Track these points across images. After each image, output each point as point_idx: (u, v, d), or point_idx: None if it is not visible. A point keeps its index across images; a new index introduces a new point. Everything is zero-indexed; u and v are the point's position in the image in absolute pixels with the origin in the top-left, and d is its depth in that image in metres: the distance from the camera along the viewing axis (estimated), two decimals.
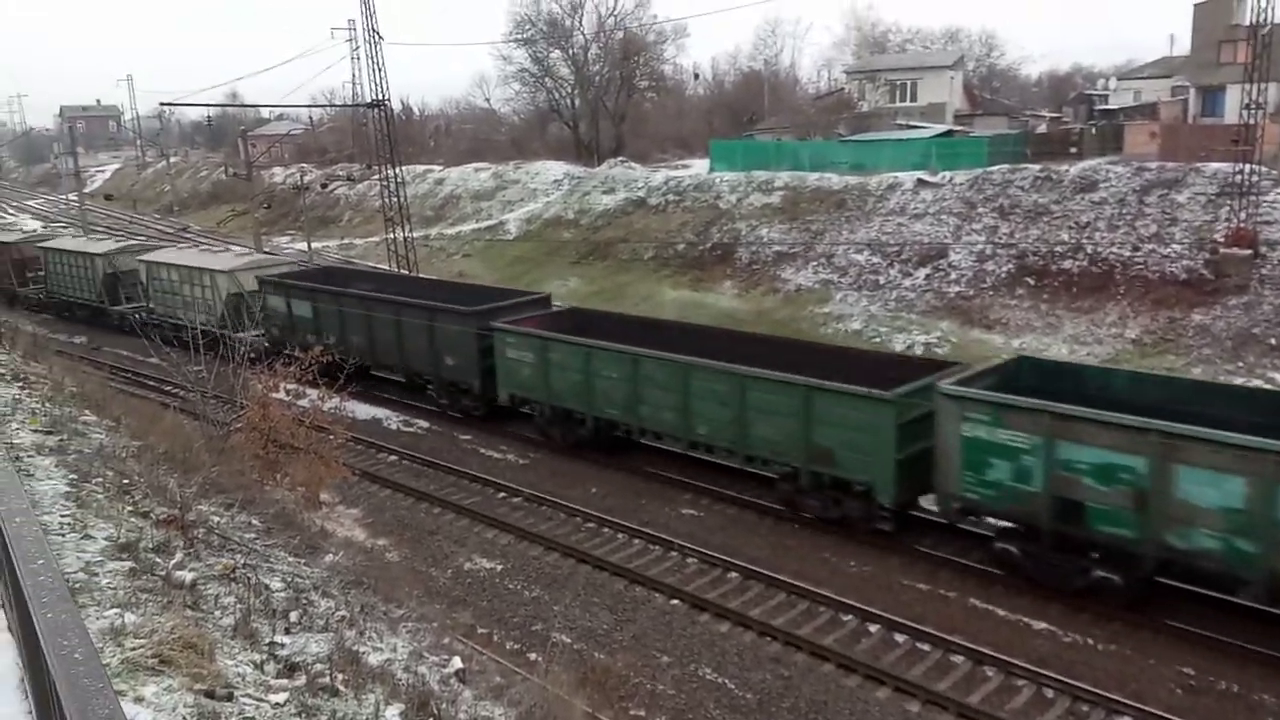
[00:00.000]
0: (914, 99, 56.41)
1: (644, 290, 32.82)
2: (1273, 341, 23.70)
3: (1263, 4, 36.10)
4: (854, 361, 17.65)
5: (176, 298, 30.17)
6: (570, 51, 66.23)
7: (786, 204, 38.26)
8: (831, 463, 15.72)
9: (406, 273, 33.00)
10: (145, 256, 32.93)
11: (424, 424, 23.32)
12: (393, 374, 25.00)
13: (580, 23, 65.60)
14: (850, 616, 13.63)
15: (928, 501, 15.52)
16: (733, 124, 60.60)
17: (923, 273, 31.05)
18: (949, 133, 48.21)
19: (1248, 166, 30.89)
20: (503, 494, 18.73)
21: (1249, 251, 27.26)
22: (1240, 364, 22.79)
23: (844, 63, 70.04)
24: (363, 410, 23.19)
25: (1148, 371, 18.18)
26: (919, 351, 25.43)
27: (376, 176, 45.21)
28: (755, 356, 17.30)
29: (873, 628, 13.33)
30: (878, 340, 26.58)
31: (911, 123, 51.13)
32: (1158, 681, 11.93)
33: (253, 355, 19.39)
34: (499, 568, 15.74)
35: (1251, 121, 37.12)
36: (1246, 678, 11.90)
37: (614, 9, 65.19)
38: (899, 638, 13.06)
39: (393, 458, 21.06)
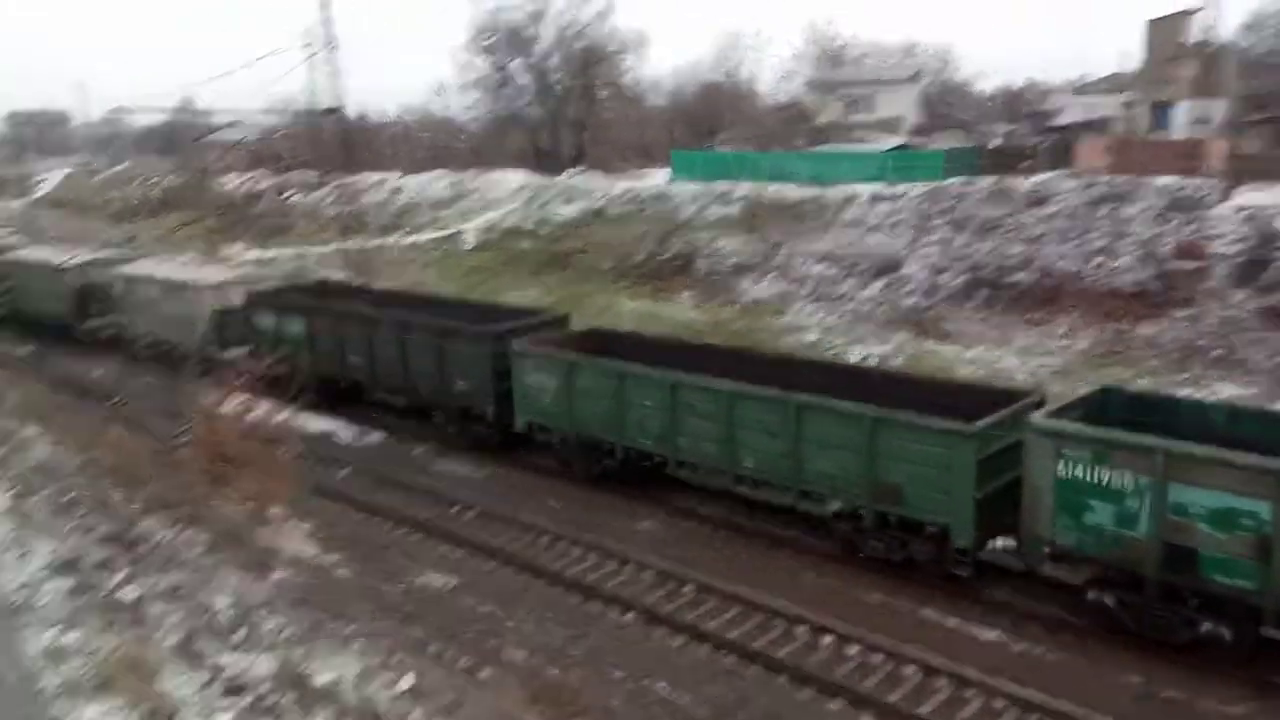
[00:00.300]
0: (871, 112, 57.12)
1: (603, 301, 32.80)
2: (1217, 354, 24.25)
3: (1210, 23, 37.20)
4: (909, 388, 16.35)
5: (155, 314, 29.09)
6: (530, 60, 66.18)
7: (745, 215, 38.50)
8: (900, 501, 14.52)
9: (411, 290, 31.31)
10: (121, 270, 31.69)
11: (377, 437, 23.07)
12: (395, 398, 23.81)
13: (540, 32, 65.61)
14: (804, 629, 13.67)
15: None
16: (693, 134, 60.89)
17: (878, 284, 31.39)
18: (905, 146, 48.84)
19: (1195, 181, 31.72)
20: (457, 508, 18.55)
21: (1195, 265, 27.88)
22: (1186, 375, 23.28)
23: (803, 75, 70.71)
24: (315, 424, 22.89)
25: (1250, 406, 16.77)
26: (874, 363, 25.65)
27: (332, 184, 44.80)
28: (799, 381, 16.19)
29: (826, 640, 13.38)
30: (833, 352, 26.78)
31: (869, 135, 51.74)
32: (1107, 690, 12.09)
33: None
34: (452, 583, 15.59)
35: (1199, 137, 38.15)
36: (1192, 683, 12.13)
37: (575, 18, 65.28)
38: (851, 650, 13.13)
39: (345, 472, 20.78)
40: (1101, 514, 12.58)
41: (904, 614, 14.08)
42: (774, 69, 78.80)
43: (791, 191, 39.07)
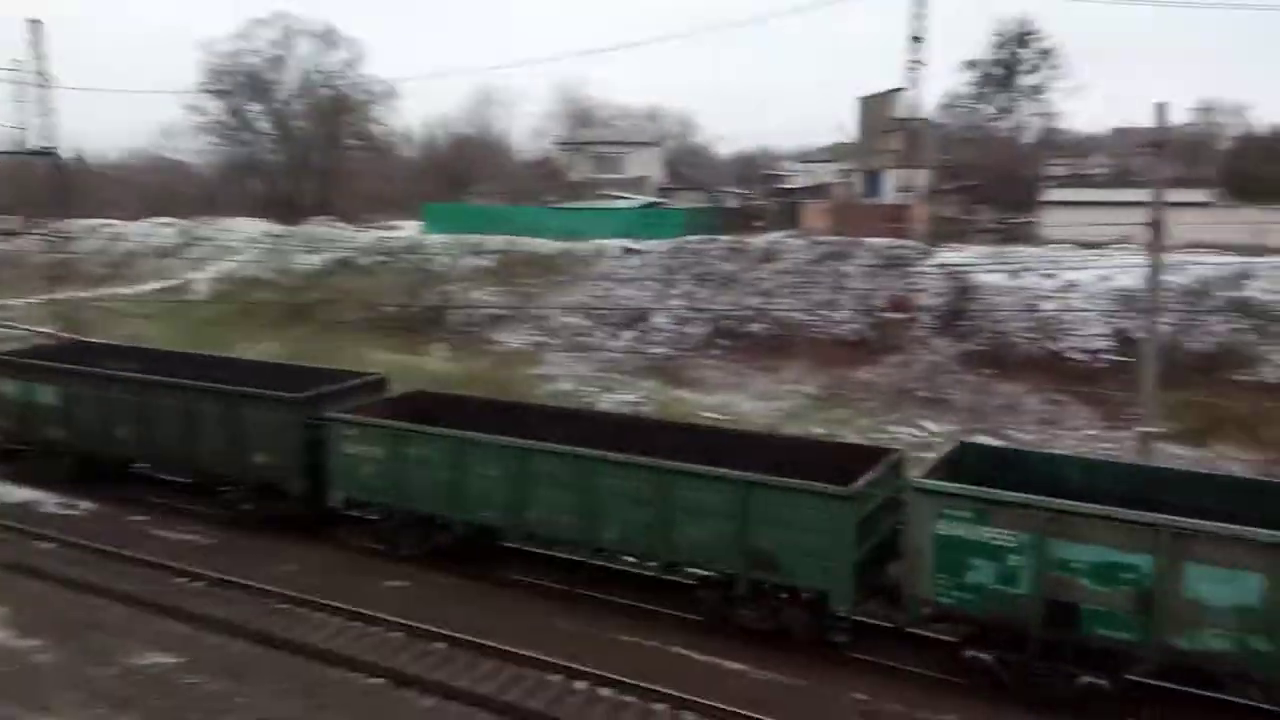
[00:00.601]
0: (619, 172, 59.45)
1: (350, 354, 31.54)
2: (925, 394, 26.92)
3: (912, 102, 41.87)
4: (762, 447, 16.24)
5: None
6: (271, 106, 63.55)
7: (499, 268, 38.80)
8: (776, 568, 14.00)
9: (191, 351, 26.02)
10: None
11: (88, 505, 20.77)
12: (177, 475, 21.11)
13: (282, 77, 63.26)
14: (558, 676, 13.61)
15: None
16: (446, 187, 60.61)
17: (629, 335, 32.49)
18: (651, 204, 51.15)
19: (903, 242, 35.41)
20: (183, 578, 17.01)
21: (905, 316, 30.95)
22: (898, 415, 25.66)
23: (555, 134, 72.43)
24: (15, 494, 20.37)
25: (1099, 459, 17.26)
26: (626, 410, 26.30)
27: (40, 230, 40.72)
28: (644, 444, 15.66)
29: (579, 685, 13.39)
30: (587, 400, 27.27)
31: (617, 194, 53.72)
32: (837, 709, 12.87)
33: None
34: (176, 661, 14.21)
35: (905, 202, 42.65)
36: (910, 696, 13.15)
37: (319, 65, 63.53)
38: (604, 692, 13.20)
39: (48, 545, 18.55)
40: (983, 572, 12.61)
41: (654, 652, 14.36)
42: (526, 126, 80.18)
43: (544, 245, 39.76)
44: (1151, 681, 12.87)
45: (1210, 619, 11.46)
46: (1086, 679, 12.41)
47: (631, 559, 16.04)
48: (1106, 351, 26.55)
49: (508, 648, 14.21)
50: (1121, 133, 61.49)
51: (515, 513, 16.17)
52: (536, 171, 62.43)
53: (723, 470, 14.39)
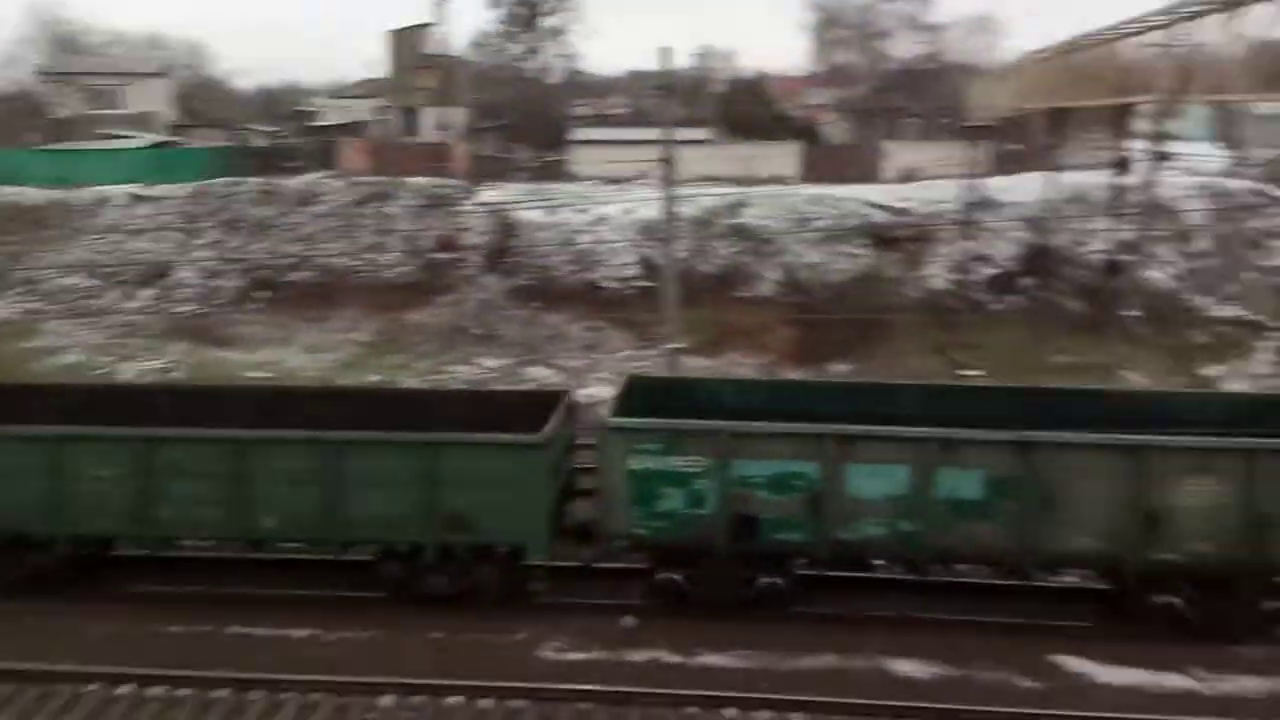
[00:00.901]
0: (119, 107, 52.37)
1: None
2: (478, 332, 27.54)
3: (443, 38, 41.78)
4: (415, 406, 15.63)
5: None
6: None
7: None
8: (467, 528, 13.33)
9: None
10: None
11: None
12: None
13: None
14: (97, 685, 12.01)
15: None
16: None
17: (148, 294, 29.17)
18: (163, 144, 46.01)
19: (446, 181, 35.48)
20: None
21: (453, 255, 31.20)
22: (454, 354, 26.01)
23: (32, 62, 61.37)
24: None
25: (757, 379, 18.20)
26: (152, 378, 23.63)
27: None
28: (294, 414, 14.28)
29: (122, 690, 11.93)
30: (100, 371, 24.01)
31: (119, 132, 47.42)
32: (413, 652, 12.83)
33: None
34: None
35: (445, 141, 42.73)
36: (484, 629, 13.40)
37: None
38: (154, 691, 11.90)
39: None
40: (674, 500, 13.14)
41: (210, 636, 13.31)
42: None
43: (29, 194, 34.14)
44: (816, 573, 14.11)
45: (868, 510, 12.95)
46: (764, 580, 13.51)
47: (295, 545, 14.59)
48: (635, 279, 29.06)
49: (31, 666, 12.22)
50: (635, 75, 66.87)
51: (140, 517, 13.83)
52: (11, 107, 52.65)
53: (406, 434, 13.54)
